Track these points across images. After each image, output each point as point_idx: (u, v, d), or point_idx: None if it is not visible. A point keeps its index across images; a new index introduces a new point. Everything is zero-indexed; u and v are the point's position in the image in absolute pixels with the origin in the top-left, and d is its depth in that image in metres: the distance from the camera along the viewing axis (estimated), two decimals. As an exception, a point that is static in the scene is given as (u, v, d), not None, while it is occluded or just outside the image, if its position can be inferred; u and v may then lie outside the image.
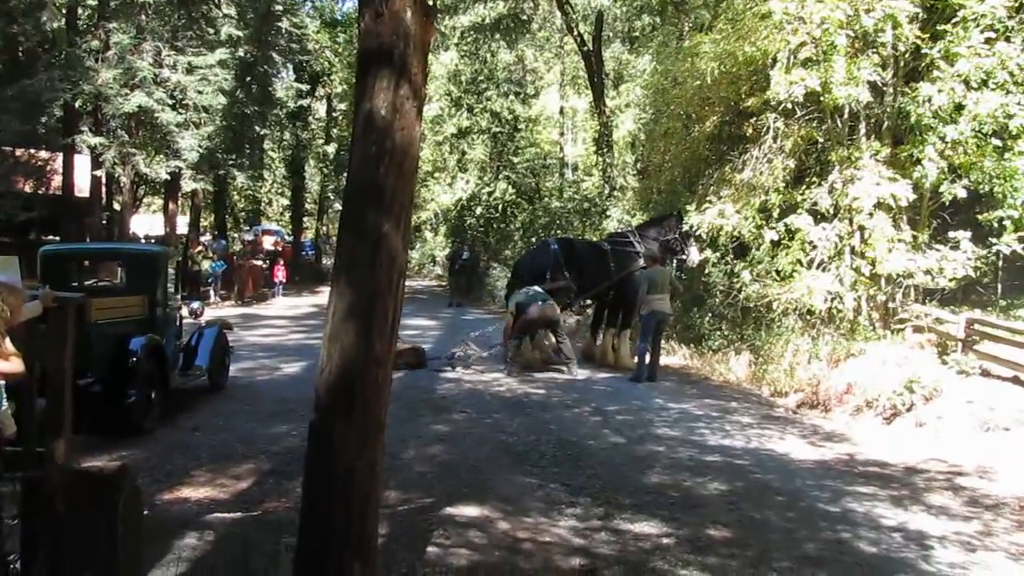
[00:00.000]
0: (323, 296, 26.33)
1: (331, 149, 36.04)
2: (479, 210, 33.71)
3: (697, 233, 13.98)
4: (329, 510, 3.69)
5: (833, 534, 5.78)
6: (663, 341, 13.31)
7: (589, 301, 15.00)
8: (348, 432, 3.67)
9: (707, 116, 14.70)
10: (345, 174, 4.18)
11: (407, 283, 4.66)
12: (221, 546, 4.92)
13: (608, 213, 22.56)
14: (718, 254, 14.71)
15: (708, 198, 14.05)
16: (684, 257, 14.72)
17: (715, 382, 12.88)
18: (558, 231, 23.28)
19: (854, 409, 10.47)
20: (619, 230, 17.44)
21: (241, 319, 17.89)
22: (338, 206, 36.68)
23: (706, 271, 14.83)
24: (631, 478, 7.02)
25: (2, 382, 4.28)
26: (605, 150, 25.59)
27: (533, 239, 24.28)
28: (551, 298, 12.78)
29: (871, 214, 12.00)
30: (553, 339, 13.11)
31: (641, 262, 13.74)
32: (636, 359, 12.63)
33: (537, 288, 12.91)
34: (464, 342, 13.94)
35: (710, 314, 15.14)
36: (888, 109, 12.71)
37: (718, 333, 14.71)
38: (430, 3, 3.85)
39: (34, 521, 3.92)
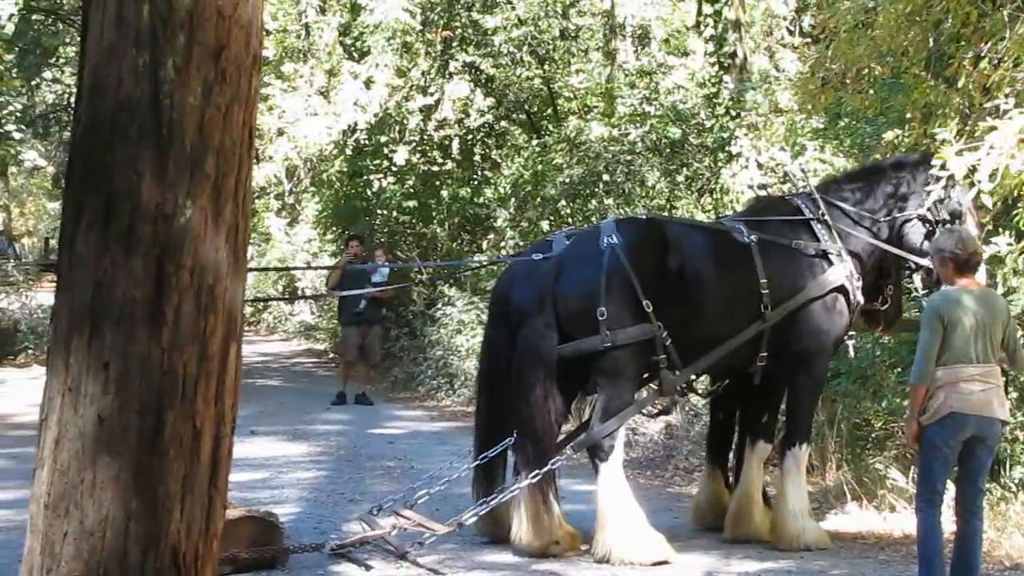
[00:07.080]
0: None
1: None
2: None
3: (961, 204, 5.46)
4: None
5: None
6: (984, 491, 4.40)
7: (705, 377, 6.06)
8: None
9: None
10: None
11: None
12: None
13: (732, 148, 10.11)
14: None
15: (984, 107, 5.67)
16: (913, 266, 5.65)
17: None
18: (611, 204, 10.78)
19: None
20: (771, 191, 7.02)
21: None
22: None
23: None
24: None
25: None
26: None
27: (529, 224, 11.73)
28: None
29: None
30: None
31: (843, 271, 5.40)
32: (919, 551, 4.17)
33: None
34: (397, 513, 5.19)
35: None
36: None
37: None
38: None
39: None
